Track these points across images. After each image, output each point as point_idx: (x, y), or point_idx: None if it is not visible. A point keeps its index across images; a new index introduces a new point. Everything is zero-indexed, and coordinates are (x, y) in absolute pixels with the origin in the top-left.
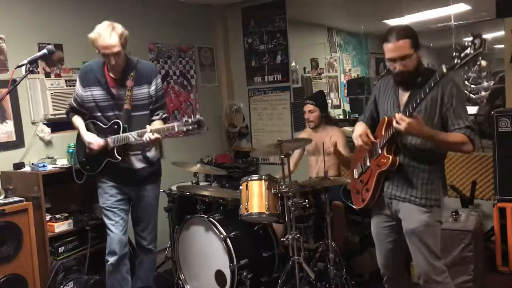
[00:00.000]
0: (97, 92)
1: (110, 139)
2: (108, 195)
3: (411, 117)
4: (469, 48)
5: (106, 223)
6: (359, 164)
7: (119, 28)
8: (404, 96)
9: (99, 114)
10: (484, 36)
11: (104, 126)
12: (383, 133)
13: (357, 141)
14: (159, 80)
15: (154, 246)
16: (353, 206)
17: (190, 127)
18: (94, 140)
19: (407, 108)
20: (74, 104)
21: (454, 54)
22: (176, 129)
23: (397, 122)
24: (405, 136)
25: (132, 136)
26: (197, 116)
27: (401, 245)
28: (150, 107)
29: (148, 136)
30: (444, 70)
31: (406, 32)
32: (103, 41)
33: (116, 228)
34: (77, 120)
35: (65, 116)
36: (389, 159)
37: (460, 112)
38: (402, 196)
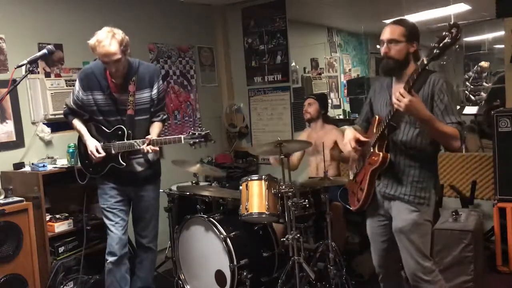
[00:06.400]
0: (98, 97)
1: (114, 146)
2: (108, 196)
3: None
4: (447, 38)
5: (106, 224)
6: (355, 165)
7: (119, 34)
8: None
9: (101, 118)
10: (460, 24)
11: (108, 131)
12: (374, 131)
13: (347, 147)
14: (161, 82)
15: (155, 245)
16: (350, 208)
17: (197, 140)
18: (95, 151)
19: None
20: (74, 107)
21: (433, 45)
22: (182, 141)
23: (397, 100)
24: (395, 133)
25: (137, 143)
26: (204, 129)
27: (394, 245)
28: (152, 109)
29: (148, 148)
30: (425, 61)
31: (403, 22)
32: (102, 48)
33: (116, 229)
34: (79, 124)
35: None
36: (380, 155)
37: (452, 108)
38: (391, 193)
